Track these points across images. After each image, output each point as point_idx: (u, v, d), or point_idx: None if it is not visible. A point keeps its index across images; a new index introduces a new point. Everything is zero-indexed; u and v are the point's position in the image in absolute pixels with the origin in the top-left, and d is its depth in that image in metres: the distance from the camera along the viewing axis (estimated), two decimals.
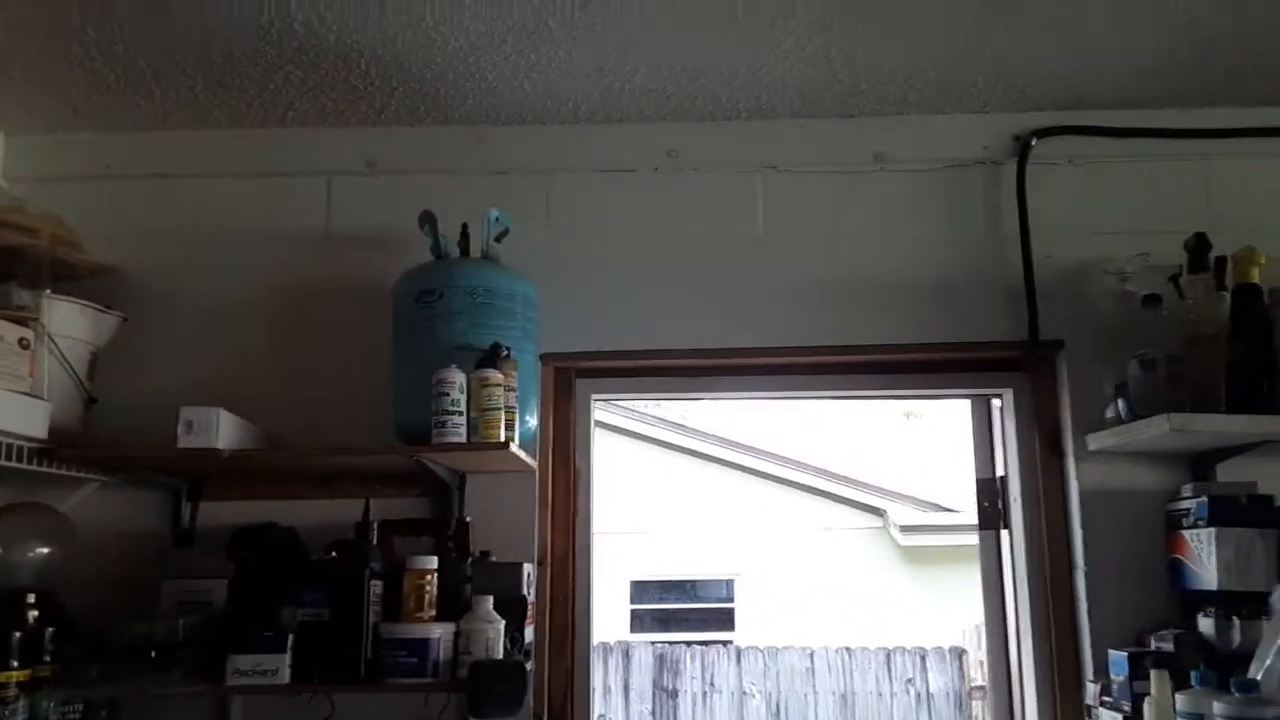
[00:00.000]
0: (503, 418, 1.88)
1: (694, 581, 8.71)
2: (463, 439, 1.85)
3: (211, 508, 2.18)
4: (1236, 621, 1.84)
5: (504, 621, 1.89)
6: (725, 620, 8.35)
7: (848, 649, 5.29)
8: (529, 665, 2.00)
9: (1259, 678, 1.67)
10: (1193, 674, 1.72)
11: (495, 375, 1.88)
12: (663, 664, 5.24)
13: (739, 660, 5.24)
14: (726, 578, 8.62)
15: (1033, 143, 2.25)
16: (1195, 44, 2.03)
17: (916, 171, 2.29)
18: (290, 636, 1.81)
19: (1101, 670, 2.02)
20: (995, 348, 2.24)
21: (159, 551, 2.12)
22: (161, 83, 2.16)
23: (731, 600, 8.55)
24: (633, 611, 8.43)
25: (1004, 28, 1.98)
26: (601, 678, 5.19)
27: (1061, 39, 2.02)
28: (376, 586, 1.87)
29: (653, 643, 5.31)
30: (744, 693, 5.20)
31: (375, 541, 1.97)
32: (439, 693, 2.00)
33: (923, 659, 5.18)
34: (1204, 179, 2.25)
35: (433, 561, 1.89)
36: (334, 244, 2.32)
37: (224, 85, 2.18)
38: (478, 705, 1.78)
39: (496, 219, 2.10)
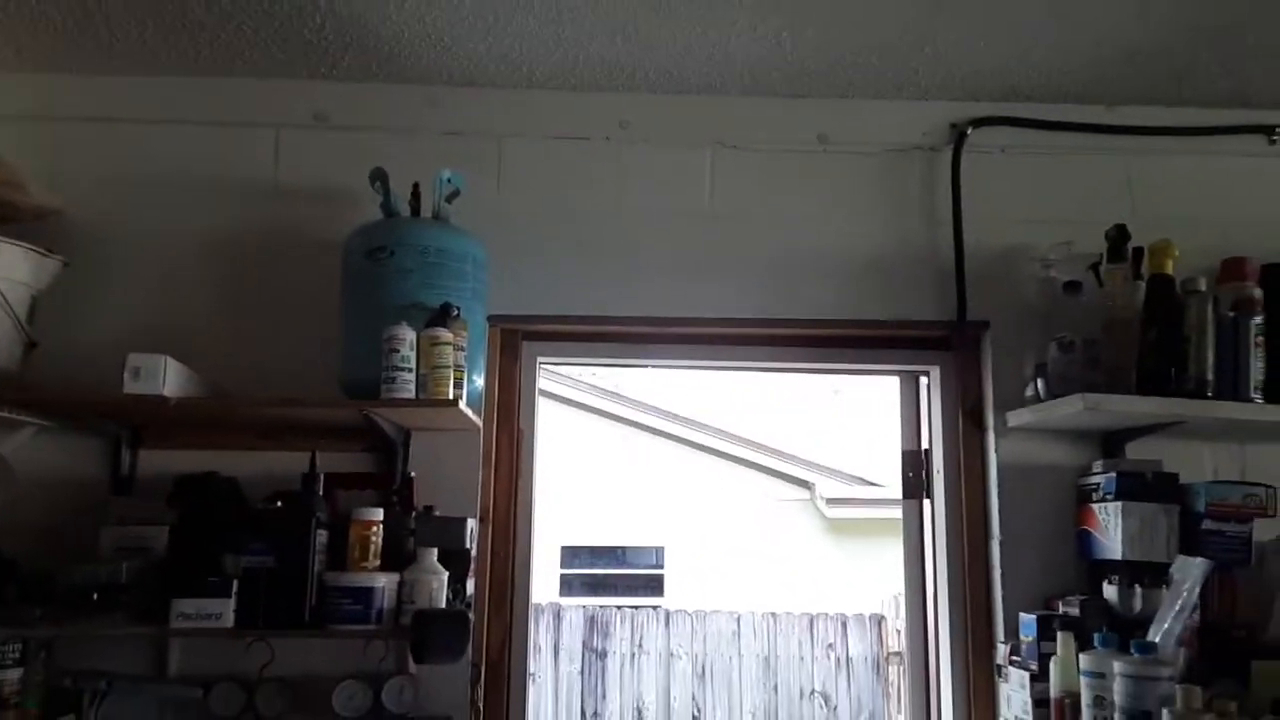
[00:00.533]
0: (451, 376, 1.92)
1: (624, 548, 8.84)
2: (412, 395, 1.89)
3: (151, 456, 2.18)
4: (1138, 589, 1.97)
5: (447, 573, 1.94)
6: (655, 586, 8.51)
7: (773, 614, 5.45)
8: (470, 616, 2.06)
9: (1157, 640, 1.81)
10: (1096, 636, 1.85)
11: (445, 334, 1.92)
12: (593, 625, 5.34)
13: (668, 623, 5.36)
14: (657, 545, 8.78)
15: (968, 131, 2.34)
16: (1123, 45, 2.14)
17: (858, 154, 2.38)
18: (235, 582, 1.84)
19: (1012, 632, 2.15)
20: (925, 326, 2.34)
21: (99, 498, 2.13)
22: (110, 25, 2.14)
23: (661, 567, 8.72)
24: (563, 576, 8.55)
25: (946, 19, 2.06)
26: (533, 637, 5.24)
27: (999, 33, 2.11)
28: (322, 536, 1.91)
29: (583, 606, 5.39)
30: (671, 654, 5.31)
31: (321, 493, 2.00)
32: (379, 640, 2.04)
33: (844, 625, 5.36)
34: (1126, 173, 2.37)
35: (379, 513, 1.93)
36: (282, 197, 2.31)
37: (174, 30, 2.16)
38: (420, 651, 1.84)
39: (448, 180, 2.13)
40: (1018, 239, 2.31)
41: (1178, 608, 1.80)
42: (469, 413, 2.01)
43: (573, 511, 8.40)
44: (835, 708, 5.27)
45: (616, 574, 8.64)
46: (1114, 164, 2.37)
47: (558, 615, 5.33)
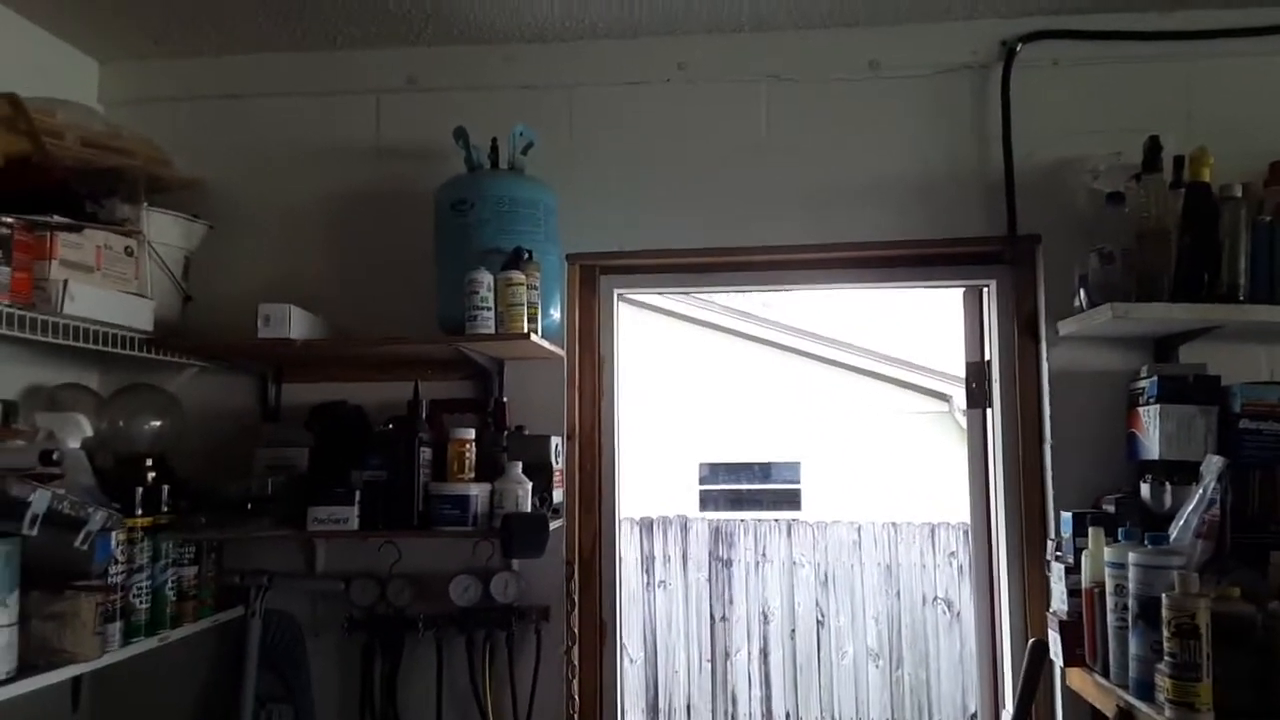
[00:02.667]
0: (525, 312, 2.18)
1: (762, 464, 9.10)
2: (491, 330, 2.16)
3: (293, 389, 2.56)
4: (1169, 486, 2.06)
5: (532, 483, 2.23)
6: (792, 501, 8.75)
7: (894, 524, 5.58)
8: (558, 521, 2.36)
9: (1174, 534, 1.91)
10: (1120, 530, 1.97)
11: (519, 276, 2.18)
12: (718, 536, 5.62)
13: (789, 534, 5.58)
14: (793, 461, 8.99)
15: (1018, 47, 2.39)
16: None
17: (909, 78, 2.46)
18: (357, 493, 2.19)
19: (1058, 530, 2.27)
20: (980, 242, 2.43)
21: (251, 425, 2.53)
22: (230, 13, 2.45)
23: (798, 482, 8.94)
24: (702, 492, 8.91)
25: None
26: (662, 547, 5.60)
27: None
28: (426, 453, 2.23)
29: (708, 519, 5.69)
30: (795, 563, 5.55)
31: (425, 416, 2.31)
32: (484, 541, 2.38)
33: (965, 533, 5.43)
34: (1183, 79, 2.36)
35: (471, 432, 2.23)
36: (384, 157, 2.60)
37: (283, 14, 2.45)
38: (508, 547, 2.14)
39: (521, 134, 2.36)
40: (1070, 152, 2.36)
41: (1195, 502, 1.89)
42: (544, 343, 2.27)
43: (713, 430, 8.70)
44: (959, 614, 5.39)
45: (755, 489, 8.93)
46: (1169, 71, 2.36)
47: (685, 527, 5.63)
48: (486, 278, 2.16)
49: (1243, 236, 2.00)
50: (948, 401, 8.89)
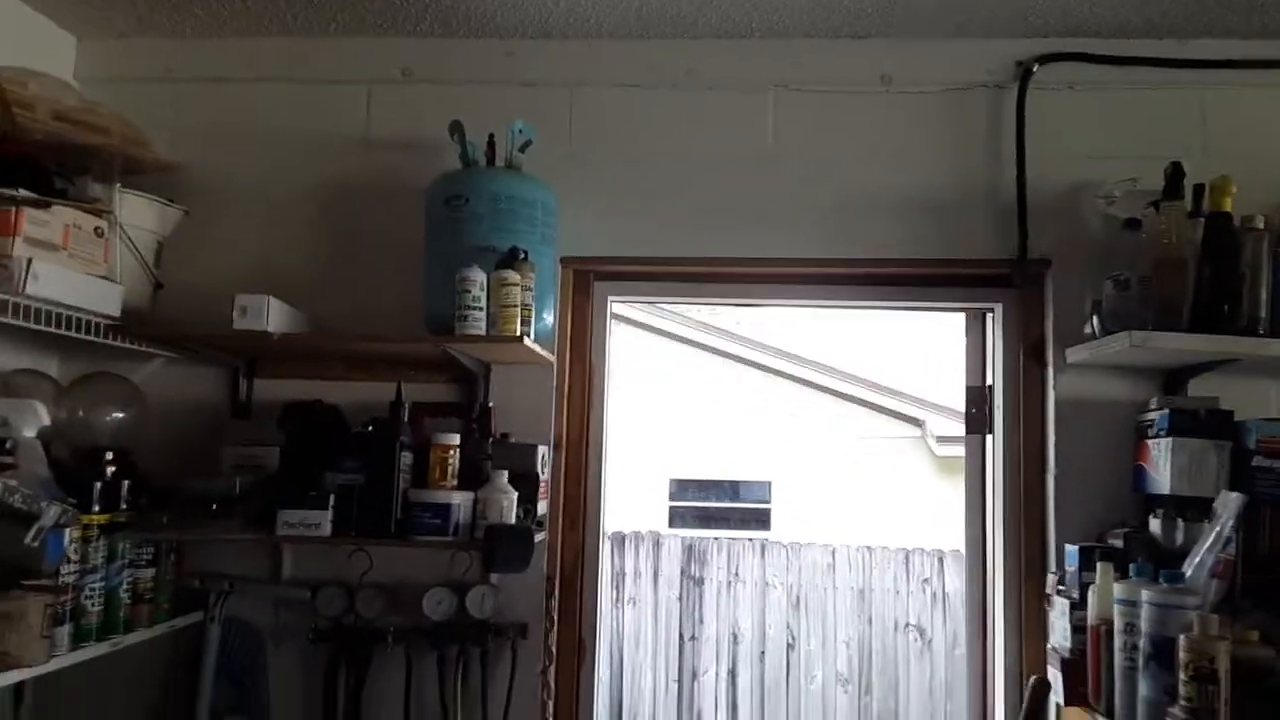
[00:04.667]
0: (519, 314, 2.08)
1: (732, 482, 9.03)
2: (482, 331, 2.06)
3: (265, 384, 2.44)
4: (1180, 522, 2.00)
5: (517, 493, 2.13)
6: (762, 520, 8.68)
7: (868, 548, 5.53)
8: (541, 533, 2.26)
9: (1188, 572, 1.85)
10: (1131, 566, 1.90)
11: (513, 275, 2.08)
12: (691, 554, 5.53)
13: (763, 554, 5.51)
14: (764, 480, 8.93)
15: (1035, 69, 2.33)
16: None
17: (921, 94, 2.40)
18: (331, 496, 2.07)
19: (1061, 563, 2.20)
20: (988, 265, 2.37)
21: (219, 421, 2.40)
22: None
23: (768, 502, 8.88)
24: (672, 509, 8.82)
25: None
26: (633, 563, 5.51)
27: None
28: (406, 457, 2.12)
29: (682, 536, 5.61)
30: (767, 584, 5.48)
31: (407, 419, 2.20)
32: (462, 552, 2.27)
33: (940, 560, 5.40)
34: (1199, 108, 2.32)
35: (455, 438, 2.13)
36: (374, 148, 2.50)
37: None
38: (490, 560, 2.04)
39: (520, 130, 2.27)
40: (1083, 176, 2.31)
41: (1211, 540, 1.83)
42: (536, 348, 2.17)
43: (684, 446, 8.63)
44: (930, 641, 5.33)
45: (725, 507, 8.85)
46: (1185, 99, 2.32)
47: (657, 543, 5.54)
48: (480, 276, 2.06)
49: (1264, 269, 1.95)
50: (920, 427, 8.88)
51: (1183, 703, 1.62)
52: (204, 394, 2.44)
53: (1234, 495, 1.86)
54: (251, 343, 2.19)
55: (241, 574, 2.33)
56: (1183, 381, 2.21)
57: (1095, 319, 2.14)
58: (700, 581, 5.50)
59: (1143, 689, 1.76)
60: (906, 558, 5.48)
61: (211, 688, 2.26)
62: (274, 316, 2.12)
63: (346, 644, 2.33)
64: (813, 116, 2.42)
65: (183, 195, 2.42)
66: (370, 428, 2.20)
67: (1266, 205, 2.10)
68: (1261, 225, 1.98)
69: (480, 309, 2.06)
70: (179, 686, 2.32)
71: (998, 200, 2.35)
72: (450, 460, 2.10)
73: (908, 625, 5.39)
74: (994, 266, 2.36)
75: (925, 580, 5.44)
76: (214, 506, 2.12)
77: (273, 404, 2.37)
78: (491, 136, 2.28)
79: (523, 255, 2.11)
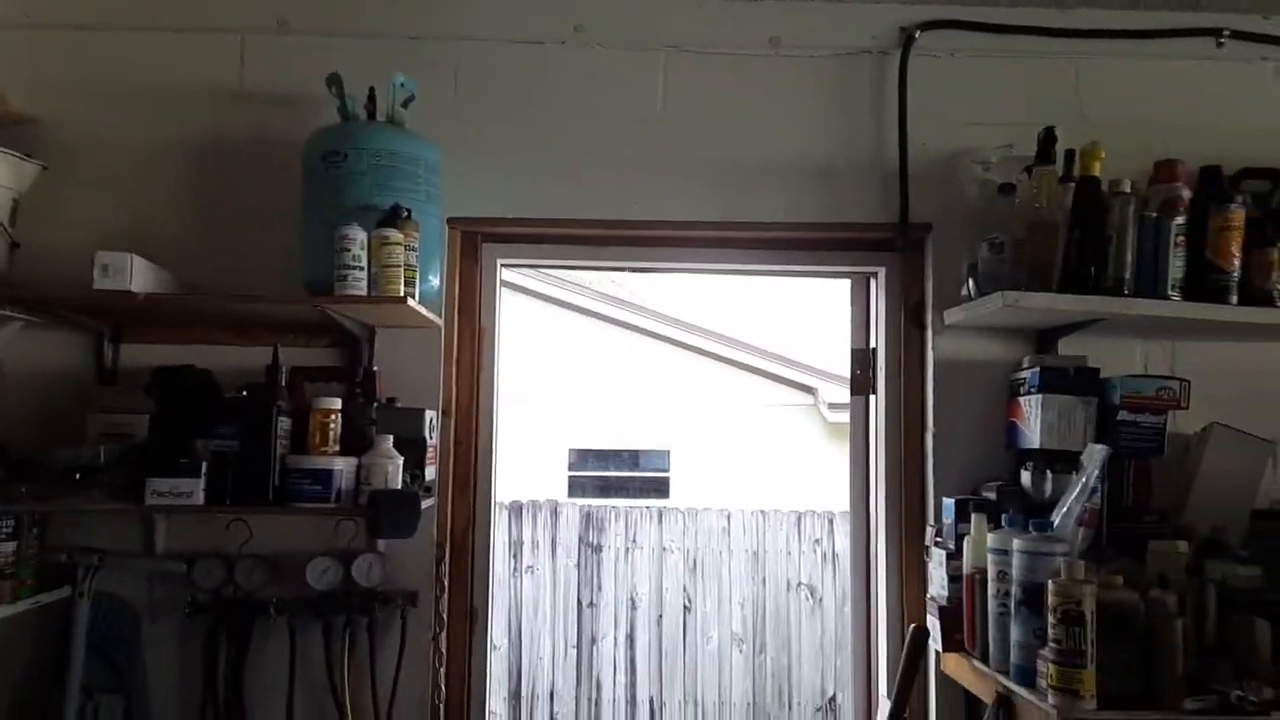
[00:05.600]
0: (402, 274, 2.02)
1: (631, 451, 9.08)
2: (363, 292, 2.00)
3: (133, 350, 2.32)
4: (1050, 475, 2.09)
5: (403, 459, 2.08)
6: (660, 489, 8.76)
7: (762, 512, 5.63)
8: (429, 500, 2.21)
9: (1057, 521, 1.93)
10: (1003, 517, 1.97)
11: (395, 234, 2.02)
12: (589, 522, 5.54)
13: (660, 520, 5.56)
14: (663, 449, 9.01)
15: (917, 35, 2.37)
16: None
17: (809, 57, 2.41)
18: (204, 464, 1.99)
19: (939, 517, 2.27)
20: (872, 229, 2.41)
21: (84, 388, 2.28)
22: None
23: (667, 470, 8.97)
24: (571, 478, 8.82)
25: None
26: (531, 532, 5.49)
27: None
28: (285, 423, 2.04)
29: (580, 505, 5.61)
30: (664, 549, 5.53)
31: (286, 384, 2.13)
32: (345, 519, 2.21)
33: (830, 521, 5.53)
34: (1075, 76, 2.40)
35: (336, 402, 2.06)
36: (247, 101, 2.39)
37: None
38: (375, 527, 1.99)
39: (402, 85, 2.19)
40: (963, 142, 2.36)
41: (1077, 491, 1.91)
42: (421, 310, 2.12)
43: (583, 417, 8.63)
44: (820, 599, 5.48)
45: (623, 476, 8.90)
46: (1061, 68, 2.40)
47: (555, 512, 5.53)
48: (360, 235, 1.99)
49: (1130, 231, 2.03)
50: (813, 394, 9.07)
51: (1051, 644, 1.70)
52: (67, 360, 2.31)
53: (1099, 448, 1.94)
54: (115, 304, 2.07)
55: (112, 547, 2.23)
56: (1053, 341, 2.30)
57: (971, 281, 2.20)
58: (599, 549, 5.52)
59: (1014, 633, 1.83)
60: (799, 520, 5.60)
61: (82, 666, 2.15)
62: (138, 276, 2.01)
63: (226, 617, 2.25)
64: (703, 78, 2.41)
65: (41, 150, 2.28)
66: (245, 393, 2.11)
67: (1135, 171, 2.18)
68: (1128, 189, 2.06)
69: (361, 269, 1.99)
70: (48, 665, 2.21)
71: (882, 165, 2.39)
72: (331, 425, 2.04)
73: (799, 585, 5.52)
74: (878, 230, 2.40)
75: (816, 541, 5.57)
76: (78, 476, 2.01)
77: (141, 370, 2.25)
78: (372, 90, 2.20)
79: (405, 214, 2.05)
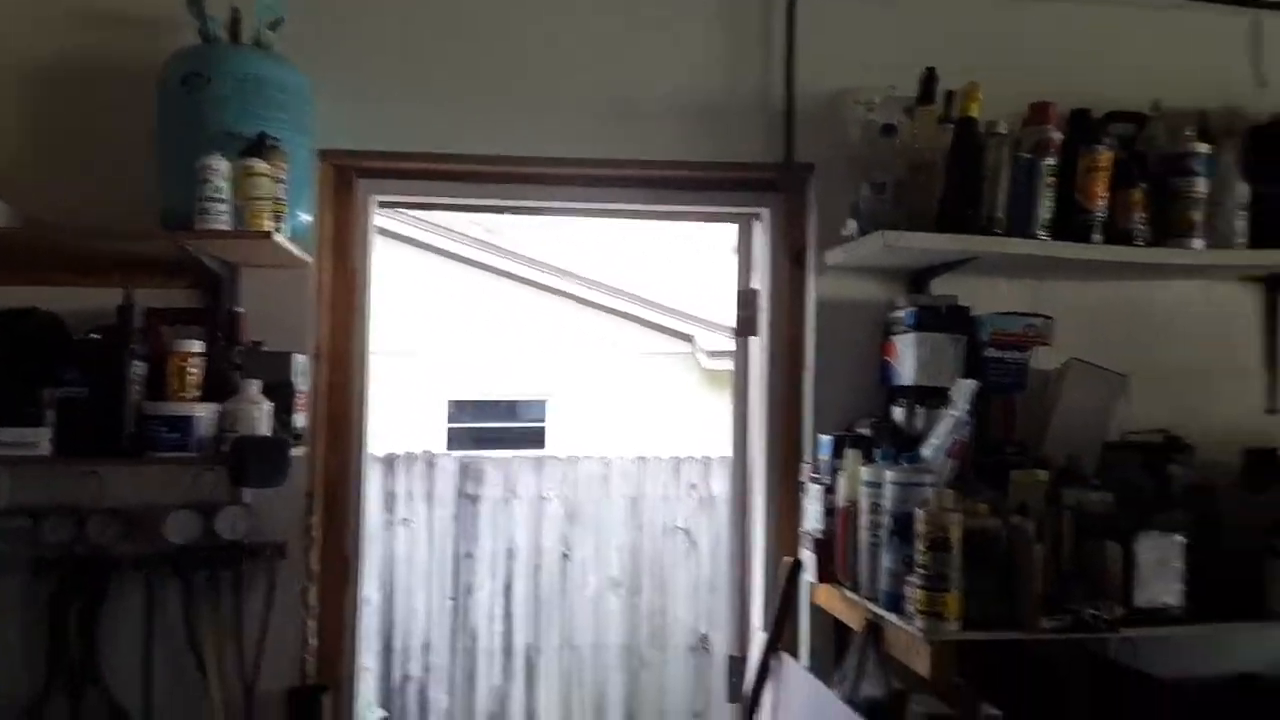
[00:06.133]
0: (269, 208, 1.91)
1: (509, 402, 9.00)
2: (226, 226, 1.88)
3: None
4: (921, 410, 2.15)
5: (271, 404, 1.98)
6: (537, 440, 8.72)
7: (641, 458, 5.66)
8: (300, 448, 2.12)
9: (927, 453, 1.99)
10: (876, 451, 2.03)
11: (261, 165, 1.90)
12: (466, 473, 5.45)
13: (539, 470, 5.52)
14: (539, 398, 8.97)
15: None
16: None
17: None
18: (50, 412, 1.85)
19: (815, 453, 2.32)
20: (757, 169, 2.41)
21: None
22: None
23: (544, 420, 8.94)
24: (450, 430, 8.69)
25: None
26: (406, 484, 5.37)
27: None
28: (139, 367, 1.92)
29: (456, 456, 5.51)
30: (543, 499, 5.50)
31: (141, 327, 1.99)
32: (206, 470, 2.09)
33: (707, 466, 5.61)
34: (960, 18, 2.43)
35: (195, 344, 1.95)
36: (97, 21, 2.20)
37: None
38: (239, 476, 1.89)
39: (269, 6, 2.06)
40: (848, 83, 2.36)
41: (947, 424, 1.98)
42: (290, 246, 2.01)
43: (461, 368, 8.49)
44: (696, 542, 5.57)
45: (501, 427, 8.82)
46: (947, 9, 2.43)
47: (430, 464, 5.41)
48: (222, 165, 1.87)
49: (1004, 172, 2.08)
50: (691, 342, 9.17)
51: (919, 570, 1.76)
52: None
53: (967, 382, 2.01)
54: None
55: None
56: (926, 281, 2.35)
57: (853, 221, 2.22)
58: (476, 500, 5.44)
59: (885, 561, 1.89)
60: (676, 465, 5.65)
61: None
62: None
63: (77, 574, 2.11)
64: (588, 9, 2.35)
65: None
66: (95, 336, 1.97)
67: (1011, 113, 2.22)
68: (1004, 130, 2.11)
69: (224, 201, 1.87)
70: None
71: (768, 105, 2.38)
72: (190, 370, 1.93)
73: (676, 528, 5.59)
74: (762, 171, 2.40)
75: (693, 486, 5.63)
76: None
77: None
78: (236, 10, 2.06)
79: (272, 142, 1.93)
